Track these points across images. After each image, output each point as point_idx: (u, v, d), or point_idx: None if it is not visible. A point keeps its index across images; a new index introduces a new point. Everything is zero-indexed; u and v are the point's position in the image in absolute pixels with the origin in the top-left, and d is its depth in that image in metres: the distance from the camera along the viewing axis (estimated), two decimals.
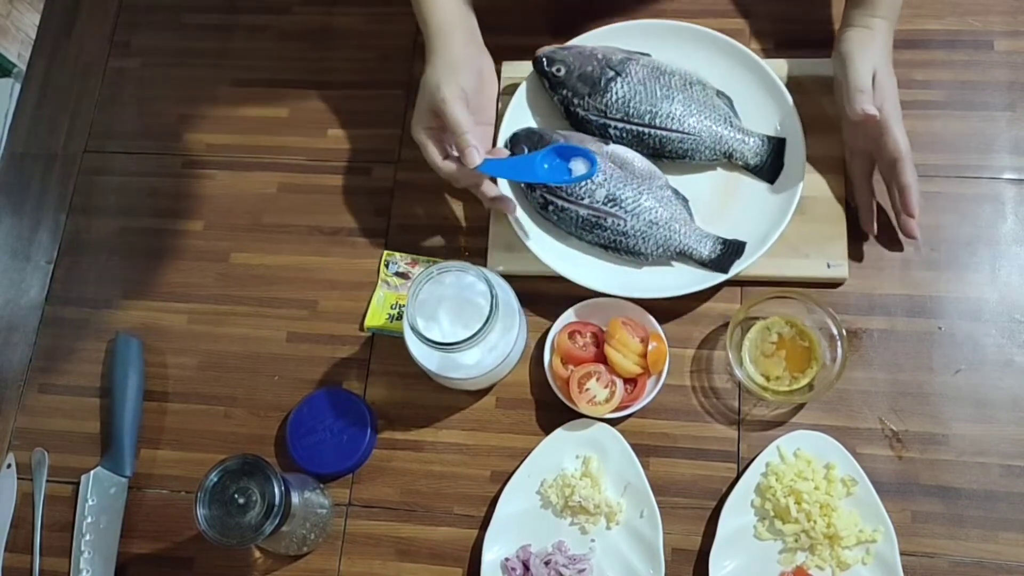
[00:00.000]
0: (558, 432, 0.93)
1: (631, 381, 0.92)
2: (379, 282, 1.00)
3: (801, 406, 0.92)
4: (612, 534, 0.90)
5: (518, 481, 0.92)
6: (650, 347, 0.90)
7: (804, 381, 0.91)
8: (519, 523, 0.91)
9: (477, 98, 0.94)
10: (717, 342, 0.95)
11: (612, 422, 0.92)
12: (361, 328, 0.99)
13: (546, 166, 0.90)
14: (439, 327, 0.86)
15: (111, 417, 0.99)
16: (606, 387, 0.91)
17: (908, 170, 0.89)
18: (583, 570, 0.88)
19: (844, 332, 0.89)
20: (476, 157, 0.88)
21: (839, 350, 0.88)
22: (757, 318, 0.93)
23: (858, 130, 0.91)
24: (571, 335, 0.93)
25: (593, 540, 0.90)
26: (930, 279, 0.95)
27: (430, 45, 0.92)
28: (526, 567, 0.88)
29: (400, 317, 0.97)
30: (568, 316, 0.94)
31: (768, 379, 0.91)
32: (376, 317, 0.99)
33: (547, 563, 0.88)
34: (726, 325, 0.95)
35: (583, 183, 0.94)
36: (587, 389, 0.91)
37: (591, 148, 0.95)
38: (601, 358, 0.92)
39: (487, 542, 0.90)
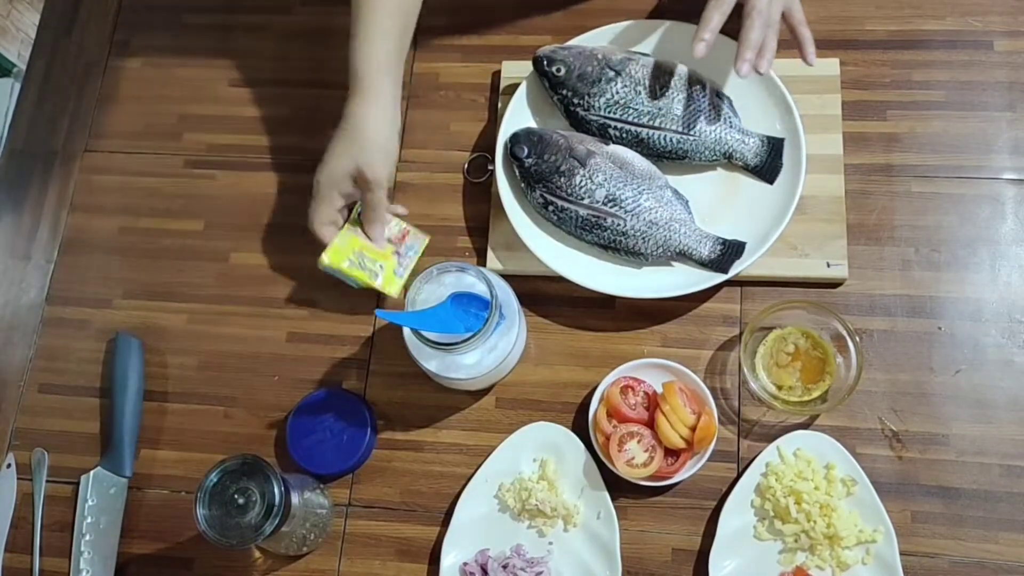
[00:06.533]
0: (515, 436, 0.93)
1: (673, 453, 0.89)
2: (349, 224, 0.97)
3: (813, 416, 0.92)
4: (569, 536, 0.90)
5: (475, 486, 0.92)
6: (701, 421, 0.87)
7: (817, 392, 0.90)
8: (477, 528, 0.91)
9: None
10: (717, 343, 0.95)
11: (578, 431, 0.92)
12: (327, 264, 0.95)
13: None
14: None
15: (111, 417, 0.99)
16: (646, 451, 0.88)
17: (746, 23, 0.90)
18: (540, 573, 0.88)
19: (859, 340, 0.89)
20: (379, 236, 0.95)
21: (852, 361, 0.88)
22: (769, 328, 0.92)
23: None
24: (623, 389, 0.91)
25: (551, 543, 0.90)
26: (930, 279, 0.95)
27: (362, 95, 0.92)
28: (484, 571, 0.88)
29: (362, 266, 0.95)
30: (624, 370, 0.92)
31: (780, 388, 0.91)
32: (337, 255, 0.95)
33: (505, 567, 0.88)
34: (725, 326, 0.95)
35: (583, 184, 0.94)
36: (626, 449, 0.88)
37: (591, 148, 0.95)
38: (649, 422, 0.89)
39: (445, 547, 0.90)
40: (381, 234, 0.95)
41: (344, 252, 0.95)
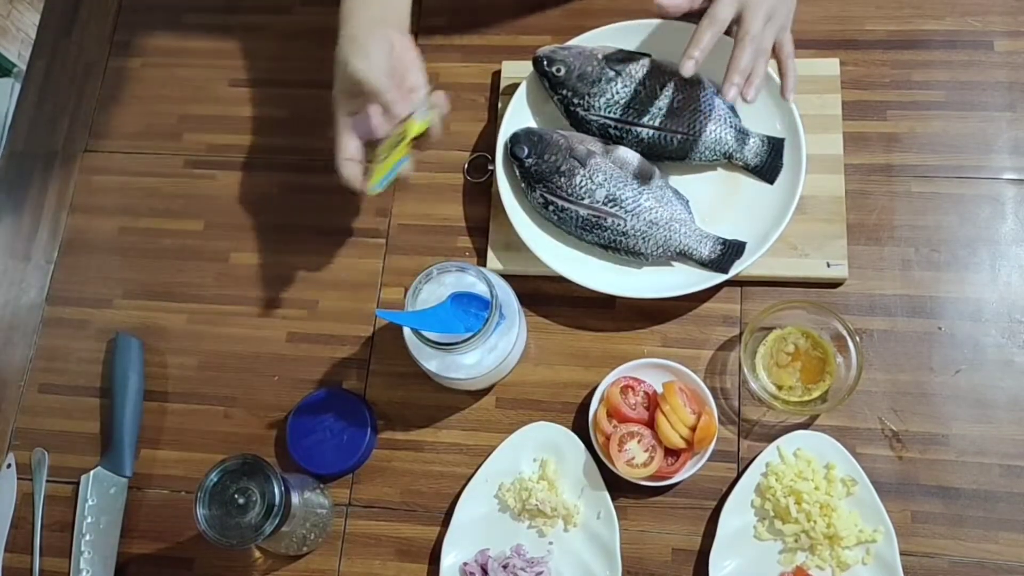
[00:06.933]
0: (515, 436, 0.93)
1: (673, 453, 0.89)
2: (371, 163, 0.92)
3: (813, 416, 0.92)
4: (569, 536, 0.90)
5: (475, 486, 0.92)
6: (701, 421, 0.87)
7: (817, 392, 0.90)
8: (477, 527, 0.91)
9: (395, 66, 0.90)
10: (717, 343, 0.95)
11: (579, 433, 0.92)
12: (376, 187, 0.89)
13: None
14: None
15: (111, 417, 0.99)
16: (646, 451, 0.89)
17: (737, 47, 0.88)
18: (540, 572, 0.88)
19: (859, 340, 0.89)
20: (401, 109, 0.87)
21: (852, 361, 0.88)
22: (769, 328, 0.92)
23: None
24: (623, 389, 0.91)
25: (551, 543, 0.90)
26: (930, 279, 0.95)
27: (339, 29, 0.91)
28: (484, 571, 0.88)
29: (395, 147, 0.89)
30: (624, 370, 0.92)
31: (780, 388, 0.91)
32: (379, 173, 0.89)
33: (505, 567, 0.88)
34: (725, 326, 0.95)
35: (583, 184, 0.94)
36: (626, 449, 0.89)
37: (591, 148, 0.95)
38: (649, 422, 0.90)
39: (445, 547, 0.90)
40: (400, 108, 0.88)
41: (383, 166, 0.90)
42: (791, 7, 0.91)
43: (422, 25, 1.11)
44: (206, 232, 1.07)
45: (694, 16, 0.91)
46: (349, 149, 0.91)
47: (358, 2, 0.91)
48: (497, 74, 1.07)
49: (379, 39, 0.89)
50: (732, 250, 0.93)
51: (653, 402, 0.91)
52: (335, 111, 0.92)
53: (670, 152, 0.97)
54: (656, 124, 0.96)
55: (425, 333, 0.83)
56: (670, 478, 0.89)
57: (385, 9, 0.92)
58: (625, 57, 0.97)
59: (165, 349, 1.03)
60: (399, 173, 0.91)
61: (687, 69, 0.88)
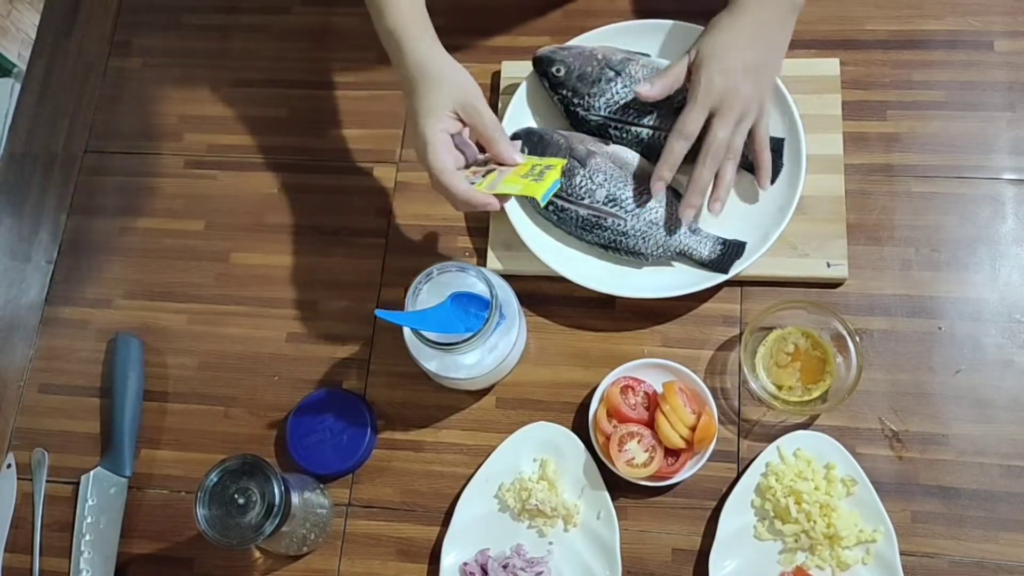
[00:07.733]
0: (515, 436, 0.93)
1: (673, 453, 0.89)
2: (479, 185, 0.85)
3: (813, 416, 0.92)
4: (570, 536, 0.90)
5: (475, 486, 0.92)
6: (701, 421, 0.87)
7: (817, 392, 0.90)
8: (477, 527, 0.91)
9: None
10: (717, 343, 0.95)
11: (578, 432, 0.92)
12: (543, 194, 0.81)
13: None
14: None
15: (111, 417, 0.99)
16: (646, 451, 0.89)
17: (699, 162, 0.88)
18: (540, 572, 0.88)
19: (859, 340, 0.89)
20: (517, 156, 0.84)
21: (853, 361, 0.88)
22: (769, 328, 0.93)
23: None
24: (623, 389, 0.91)
25: (551, 543, 0.90)
26: (930, 279, 0.95)
27: (413, 44, 0.85)
28: (484, 571, 0.88)
29: (538, 175, 0.83)
30: (624, 370, 0.92)
31: (780, 388, 0.91)
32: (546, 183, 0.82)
33: (505, 567, 0.88)
34: (725, 326, 0.95)
35: (583, 184, 0.94)
36: (626, 449, 0.89)
37: (591, 148, 0.95)
38: (649, 422, 0.90)
39: (445, 546, 0.90)
40: (509, 147, 0.85)
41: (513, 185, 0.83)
42: (764, 101, 0.90)
43: None
44: (206, 232, 1.07)
45: (693, 17, 0.91)
46: (448, 162, 0.83)
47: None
48: (497, 74, 1.07)
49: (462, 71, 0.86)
50: (732, 250, 0.93)
51: (653, 402, 0.91)
52: (430, 129, 0.83)
53: None
54: (656, 124, 0.96)
55: (425, 333, 0.83)
56: (670, 478, 0.89)
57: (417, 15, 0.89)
58: (625, 57, 0.97)
59: (165, 349, 1.03)
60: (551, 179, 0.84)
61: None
